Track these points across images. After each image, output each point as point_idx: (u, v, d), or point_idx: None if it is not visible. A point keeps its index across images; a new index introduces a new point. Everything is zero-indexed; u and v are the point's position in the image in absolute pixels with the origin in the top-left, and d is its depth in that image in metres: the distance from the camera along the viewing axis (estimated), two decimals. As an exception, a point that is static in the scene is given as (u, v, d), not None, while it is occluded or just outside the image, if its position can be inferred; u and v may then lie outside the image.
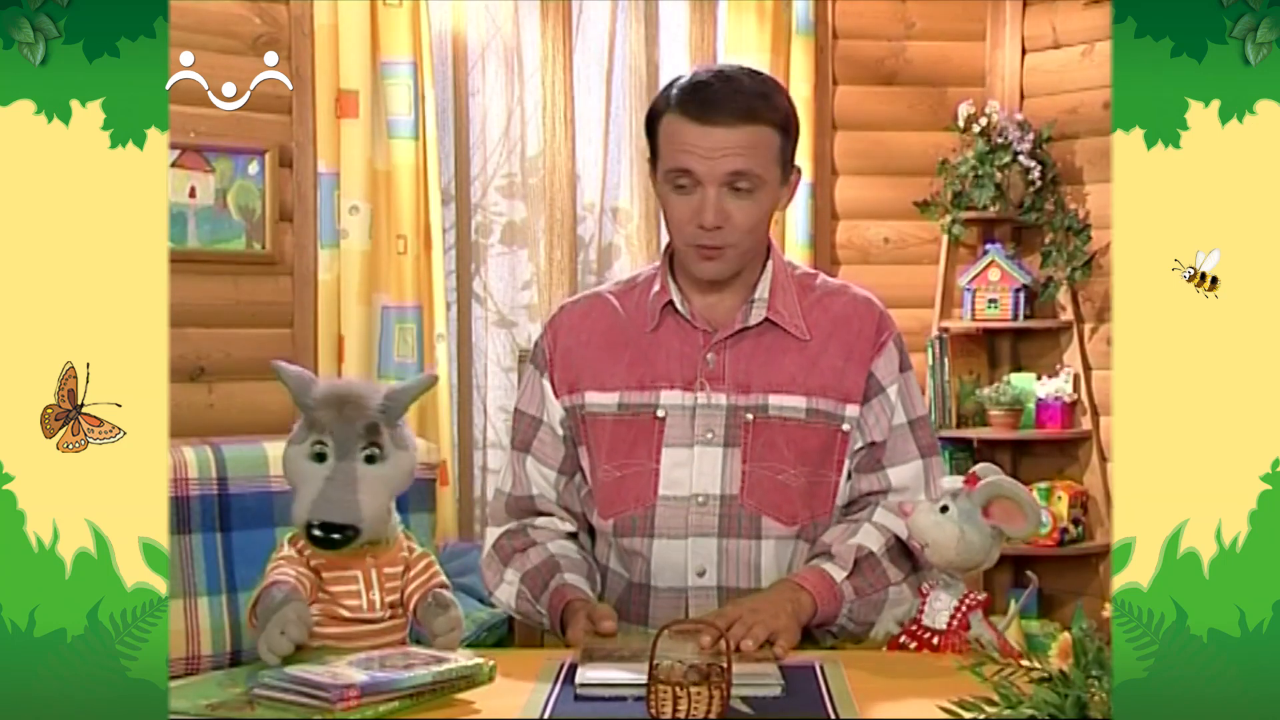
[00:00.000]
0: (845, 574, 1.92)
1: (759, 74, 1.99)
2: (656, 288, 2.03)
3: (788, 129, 1.94)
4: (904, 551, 1.96)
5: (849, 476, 2.01)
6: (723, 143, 1.88)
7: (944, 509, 1.77)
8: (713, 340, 2.00)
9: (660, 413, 1.99)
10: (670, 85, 1.96)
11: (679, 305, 2.01)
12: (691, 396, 1.98)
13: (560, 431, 2.06)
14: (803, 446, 1.97)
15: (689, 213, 1.92)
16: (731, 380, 1.98)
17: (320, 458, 1.65)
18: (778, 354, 1.99)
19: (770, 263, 2.03)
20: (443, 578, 1.74)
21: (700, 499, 1.96)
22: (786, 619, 1.81)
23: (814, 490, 1.98)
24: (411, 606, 1.71)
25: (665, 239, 2.07)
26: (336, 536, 1.62)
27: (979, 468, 1.83)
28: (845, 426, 1.99)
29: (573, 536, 2.08)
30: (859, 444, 2.00)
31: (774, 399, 1.97)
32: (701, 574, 1.97)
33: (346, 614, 1.67)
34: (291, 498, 1.68)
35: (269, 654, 1.57)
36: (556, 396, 2.05)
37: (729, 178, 1.89)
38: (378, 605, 1.69)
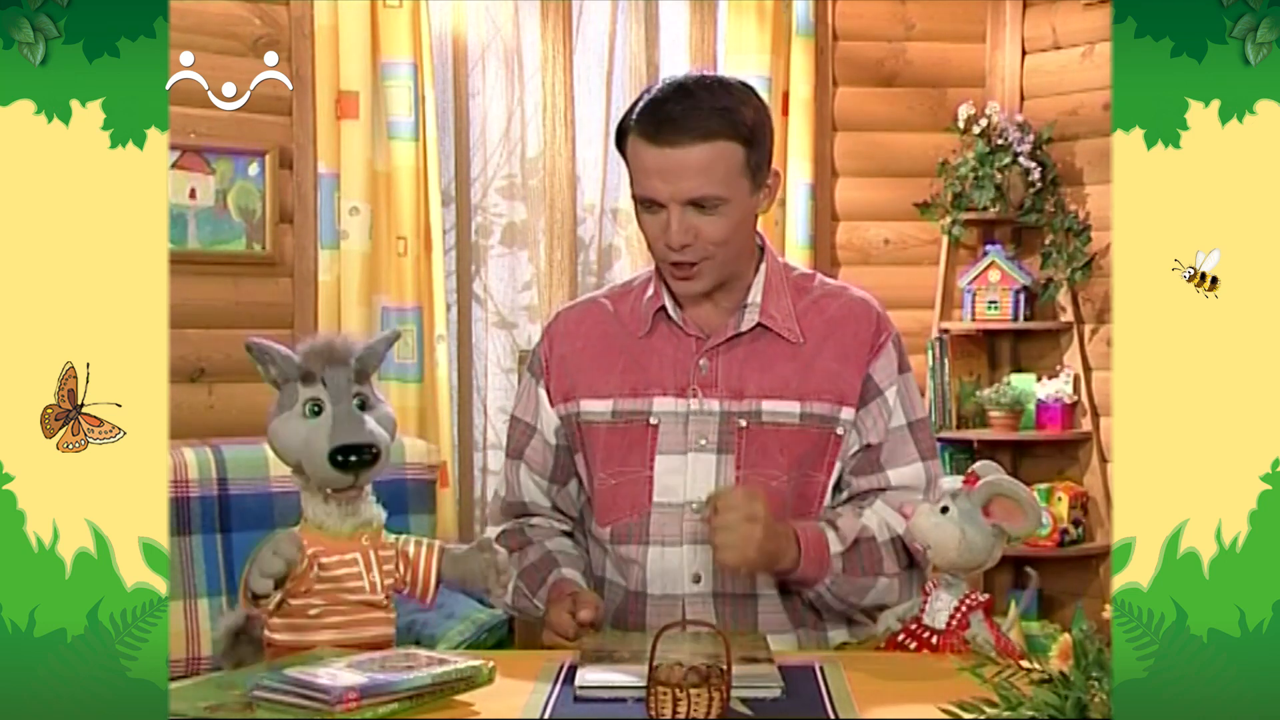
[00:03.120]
0: (842, 548, 1.92)
1: (724, 84, 1.92)
2: (650, 293, 2.03)
3: (752, 140, 1.89)
4: (903, 546, 1.96)
5: (839, 477, 2.00)
6: (680, 164, 1.85)
7: (944, 510, 1.76)
8: (705, 346, 1.99)
9: (653, 420, 1.98)
10: (637, 101, 1.93)
11: (671, 311, 2.00)
12: (684, 403, 1.98)
13: (554, 440, 2.06)
14: (796, 451, 1.96)
15: (658, 231, 1.91)
16: (724, 386, 1.97)
17: (317, 411, 1.67)
18: (771, 359, 1.98)
19: (764, 266, 2.02)
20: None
21: (694, 505, 1.96)
22: (755, 554, 1.81)
23: (803, 492, 1.98)
24: (433, 568, 1.72)
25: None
26: (361, 457, 1.64)
27: (978, 466, 1.83)
28: (839, 430, 1.98)
29: (569, 535, 2.09)
30: (854, 447, 1.99)
31: (767, 405, 1.97)
32: (697, 580, 1.96)
33: (351, 597, 1.68)
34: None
35: (259, 579, 1.58)
36: (552, 405, 2.05)
37: (690, 199, 1.87)
38: (379, 587, 1.70)
